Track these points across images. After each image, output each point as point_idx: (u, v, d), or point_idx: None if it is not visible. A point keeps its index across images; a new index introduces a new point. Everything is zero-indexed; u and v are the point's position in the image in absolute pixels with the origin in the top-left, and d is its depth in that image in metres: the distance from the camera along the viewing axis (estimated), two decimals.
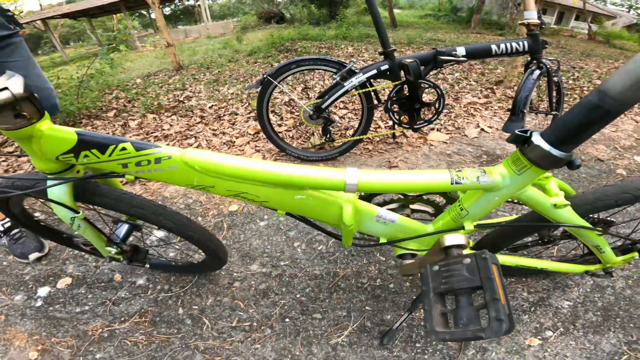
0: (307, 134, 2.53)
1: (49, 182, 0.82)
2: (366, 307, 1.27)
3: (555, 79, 2.02)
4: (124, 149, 0.73)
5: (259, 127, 2.65)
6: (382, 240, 0.95)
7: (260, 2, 8.51)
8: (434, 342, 1.14)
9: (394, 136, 2.48)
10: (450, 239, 0.66)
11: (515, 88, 3.51)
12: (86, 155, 0.73)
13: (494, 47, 1.92)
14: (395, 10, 8.08)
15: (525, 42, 1.88)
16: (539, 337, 1.12)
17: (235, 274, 1.47)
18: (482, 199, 0.82)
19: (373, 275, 1.42)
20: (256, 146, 2.42)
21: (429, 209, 1.06)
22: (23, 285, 1.46)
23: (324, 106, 1.94)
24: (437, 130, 2.64)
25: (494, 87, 3.55)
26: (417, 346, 1.13)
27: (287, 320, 1.28)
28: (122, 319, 1.31)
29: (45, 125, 0.72)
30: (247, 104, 3.15)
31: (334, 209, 0.84)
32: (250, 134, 2.58)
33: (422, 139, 2.49)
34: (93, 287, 1.44)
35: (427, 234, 0.92)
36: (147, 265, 1.24)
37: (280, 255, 1.56)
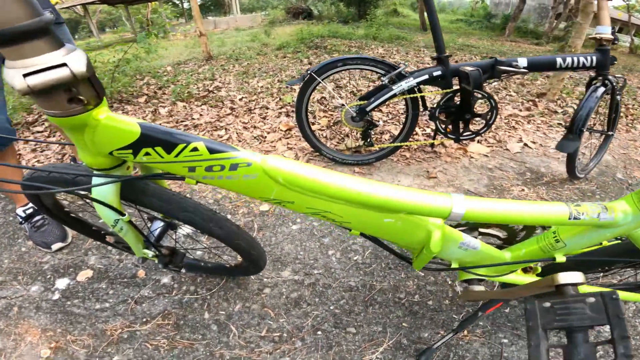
0: (341, 135, 2.40)
1: (95, 180, 0.71)
2: (403, 324, 1.19)
3: (618, 97, 1.85)
4: (195, 149, 0.61)
5: (290, 123, 2.54)
6: (454, 265, 0.88)
7: None
8: None
9: (432, 145, 2.34)
10: (567, 278, 0.63)
11: (559, 102, 3.36)
12: (147, 154, 0.62)
13: (559, 60, 1.78)
14: (427, 14, 7.83)
15: (594, 57, 1.74)
16: None
17: (265, 280, 1.36)
18: (589, 234, 0.74)
19: (411, 290, 1.32)
20: (288, 143, 2.30)
21: (500, 234, 0.96)
22: (41, 275, 1.38)
23: (368, 109, 1.83)
24: (478, 142, 2.48)
25: (536, 100, 3.35)
26: None
27: (319, 332, 1.19)
28: (144, 319, 1.22)
29: (103, 113, 0.59)
30: (278, 99, 3.04)
31: (422, 234, 0.75)
32: (282, 130, 2.46)
33: (461, 150, 2.35)
34: (115, 282, 1.34)
35: (513, 262, 0.85)
36: (183, 270, 1.12)
37: (314, 262, 1.44)
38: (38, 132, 2.41)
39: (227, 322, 1.21)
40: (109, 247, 1.49)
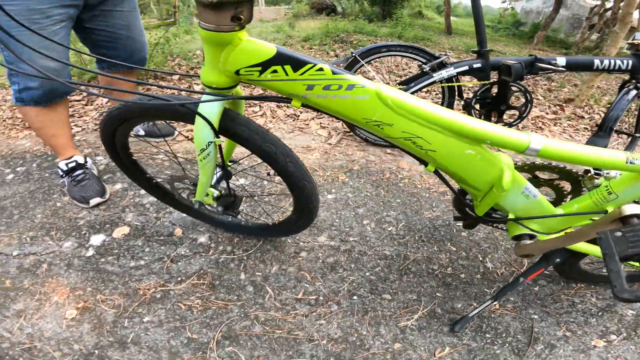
0: None
1: (206, 97, 0.78)
2: (437, 294, 1.19)
3: None
4: (320, 70, 0.69)
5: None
6: (511, 215, 0.91)
7: None
8: (504, 335, 1.05)
9: None
10: (633, 209, 0.66)
11: (586, 108, 3.36)
12: (274, 71, 0.70)
13: (596, 61, 1.88)
14: (452, 18, 7.75)
15: (630, 61, 1.87)
16: (604, 339, 1.10)
17: (302, 244, 1.33)
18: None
19: (444, 263, 1.31)
20: (321, 123, 2.28)
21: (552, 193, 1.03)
22: (75, 231, 1.37)
23: (409, 92, 1.85)
24: None
25: (564, 105, 3.32)
26: (487, 337, 1.07)
27: (355, 297, 1.17)
28: (179, 278, 1.20)
29: (245, 35, 0.69)
30: None
31: (494, 171, 0.81)
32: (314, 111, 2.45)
33: None
34: (151, 240, 1.33)
35: (569, 214, 0.91)
36: (239, 217, 1.16)
37: (349, 230, 1.41)
38: (76, 100, 2.44)
39: (263, 283, 1.19)
40: (147, 205, 1.48)
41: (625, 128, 2.27)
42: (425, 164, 0.83)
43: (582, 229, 0.75)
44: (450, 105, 1.98)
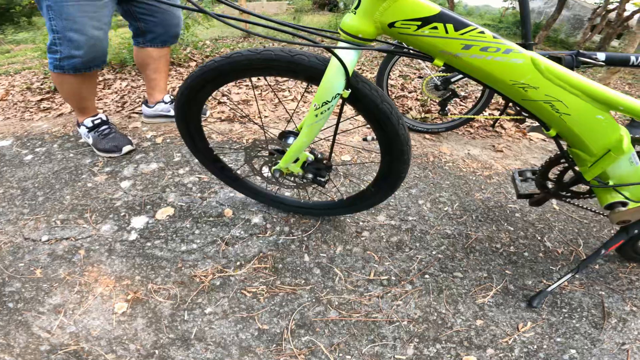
0: (404, 108, 2.31)
1: (341, 44, 0.75)
2: (506, 271, 1.14)
3: None
4: (482, 32, 0.71)
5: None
6: (611, 182, 0.93)
7: None
8: (579, 310, 1.06)
9: (493, 125, 2.29)
10: None
11: None
12: (434, 28, 0.70)
13: (632, 58, 1.84)
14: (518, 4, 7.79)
15: None
16: None
17: (362, 223, 1.23)
18: None
19: (505, 242, 1.25)
20: (352, 108, 2.18)
21: None
22: (113, 213, 1.24)
23: (454, 79, 1.83)
24: None
25: None
26: (564, 311, 1.04)
27: (427, 276, 1.10)
28: (238, 263, 1.09)
29: None
30: None
31: (615, 136, 0.84)
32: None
33: (520, 133, 2.30)
34: (200, 221, 1.21)
35: None
36: (326, 187, 1.14)
37: (407, 210, 1.33)
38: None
39: (330, 265, 1.09)
40: (188, 185, 1.36)
41: None
42: (547, 128, 0.84)
43: None
44: (491, 94, 1.92)
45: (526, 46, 1.74)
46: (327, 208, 1.16)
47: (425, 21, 0.69)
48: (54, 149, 1.59)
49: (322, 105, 0.81)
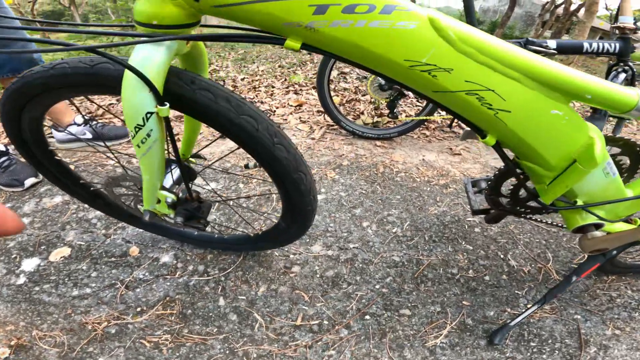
0: (356, 113, 2.14)
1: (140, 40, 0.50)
2: (463, 302, 0.98)
3: (637, 84, 1.79)
4: None
5: (301, 99, 2.25)
6: (580, 202, 0.70)
7: None
8: (551, 341, 0.91)
9: (450, 125, 2.15)
10: None
11: None
12: None
13: (585, 44, 1.74)
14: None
15: (617, 44, 1.70)
16: None
17: (292, 257, 1.05)
18: None
19: (463, 265, 1.09)
20: (300, 117, 2.00)
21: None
22: (5, 255, 1.04)
23: None
24: None
25: None
26: (532, 345, 0.89)
27: (367, 317, 0.92)
28: (139, 309, 0.90)
29: None
30: (283, 79, 2.74)
31: (581, 139, 0.59)
32: (292, 106, 2.17)
33: None
34: (99, 262, 1.01)
35: None
36: (209, 230, 0.90)
37: (348, 235, 1.14)
38: None
39: (249, 309, 0.90)
40: (94, 220, 1.14)
41: None
42: (483, 134, 0.59)
43: None
44: None
45: None
46: (244, 243, 0.97)
47: None
48: None
49: (136, 133, 0.56)
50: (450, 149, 1.85)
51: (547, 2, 7.09)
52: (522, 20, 9.21)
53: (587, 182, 0.65)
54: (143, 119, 0.53)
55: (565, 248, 1.16)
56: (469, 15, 1.60)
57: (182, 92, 0.56)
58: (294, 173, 0.66)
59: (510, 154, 0.67)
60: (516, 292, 1.01)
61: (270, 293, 0.94)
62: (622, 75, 1.73)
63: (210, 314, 0.88)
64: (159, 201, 0.72)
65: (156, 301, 0.91)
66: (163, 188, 0.72)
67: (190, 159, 0.82)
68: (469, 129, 0.61)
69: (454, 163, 1.67)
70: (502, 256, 1.12)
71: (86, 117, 1.59)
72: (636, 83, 1.74)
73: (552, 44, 1.68)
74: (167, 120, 0.57)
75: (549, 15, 7.07)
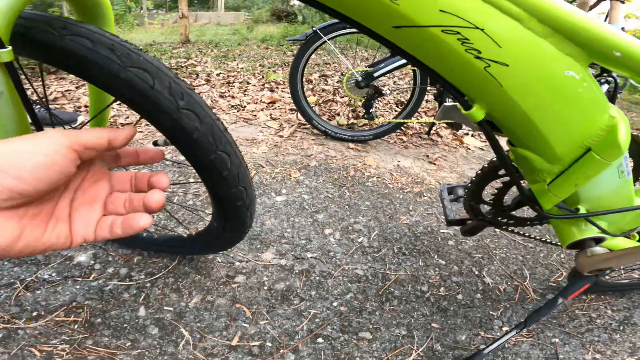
0: (331, 113, 2.03)
1: None
2: (432, 324, 0.87)
3: (619, 95, 1.74)
4: None
5: (275, 96, 2.13)
6: (583, 209, 0.55)
7: (276, 0, 8.14)
8: None
9: (428, 132, 2.07)
10: None
11: None
12: None
13: None
14: None
15: None
16: (635, 357, 0.88)
17: (238, 264, 0.90)
18: None
19: (434, 281, 0.97)
20: (271, 114, 1.88)
21: None
22: None
23: (376, 74, 1.58)
24: (472, 135, 2.26)
25: None
26: None
27: (320, 340, 0.78)
28: (35, 313, 0.73)
29: None
30: (260, 77, 2.62)
31: (599, 118, 0.42)
32: (264, 102, 2.04)
33: (457, 141, 2.10)
34: (4, 259, 0.82)
35: None
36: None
37: (306, 243, 1.00)
38: None
39: (175, 322, 0.74)
40: None
41: None
42: (467, 104, 0.43)
43: None
44: (422, 93, 1.69)
45: None
46: (178, 245, 0.82)
47: None
48: None
49: None
50: (427, 156, 1.76)
51: None
52: None
53: (597, 183, 0.50)
54: None
55: (543, 264, 1.07)
56: None
57: (47, 38, 0.43)
58: (212, 153, 0.52)
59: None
60: (491, 312, 0.91)
61: (204, 305, 0.78)
62: (605, 87, 1.68)
63: (125, 325, 0.72)
64: None
65: (58, 306, 0.74)
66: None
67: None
68: (448, 104, 0.47)
69: (429, 171, 1.57)
70: (476, 273, 1.01)
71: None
72: (618, 95, 1.70)
73: None
74: (12, 68, 0.42)
75: None
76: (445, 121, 1.80)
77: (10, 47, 0.39)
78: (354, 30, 1.53)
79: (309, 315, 0.81)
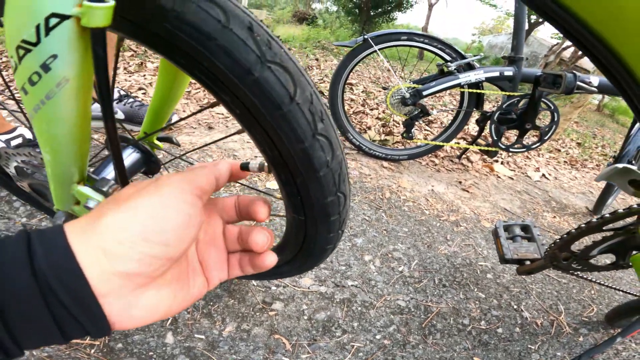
0: (362, 127, 1.96)
1: None
2: (474, 358, 0.83)
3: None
4: None
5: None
6: None
7: (298, 2, 8.11)
8: None
9: (459, 157, 2.01)
10: None
11: (560, 142, 3.27)
12: None
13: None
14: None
15: None
16: None
17: (274, 289, 0.82)
18: None
19: (475, 315, 0.92)
20: None
21: None
22: None
23: (426, 92, 1.51)
24: (501, 163, 2.20)
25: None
26: None
27: None
28: None
29: None
30: None
31: None
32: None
33: (487, 168, 2.03)
34: None
35: None
36: None
37: (346, 270, 0.93)
38: None
39: (208, 353, 0.66)
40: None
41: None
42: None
43: None
44: (467, 116, 1.64)
45: (515, 60, 1.51)
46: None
47: None
48: None
49: (20, 60, 0.26)
50: (460, 182, 1.69)
51: (556, 44, 7.25)
52: (526, 59, 9.59)
53: None
54: (38, 27, 0.24)
55: (576, 300, 1.04)
56: (516, 38, 1.52)
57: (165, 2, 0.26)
58: (331, 195, 0.37)
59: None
60: (529, 346, 0.87)
61: (240, 335, 0.70)
62: None
63: (151, 354, 0.64)
64: (78, 201, 0.42)
65: None
66: (89, 180, 0.42)
67: (156, 141, 0.58)
68: (620, 165, 0.39)
69: (463, 199, 1.50)
70: (515, 307, 0.97)
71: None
72: None
73: (595, 80, 1.56)
74: (102, 40, 0.26)
75: (554, 57, 7.23)
76: (480, 148, 1.72)
77: (113, 2, 0.24)
78: (412, 43, 1.47)
79: (351, 348, 0.74)
